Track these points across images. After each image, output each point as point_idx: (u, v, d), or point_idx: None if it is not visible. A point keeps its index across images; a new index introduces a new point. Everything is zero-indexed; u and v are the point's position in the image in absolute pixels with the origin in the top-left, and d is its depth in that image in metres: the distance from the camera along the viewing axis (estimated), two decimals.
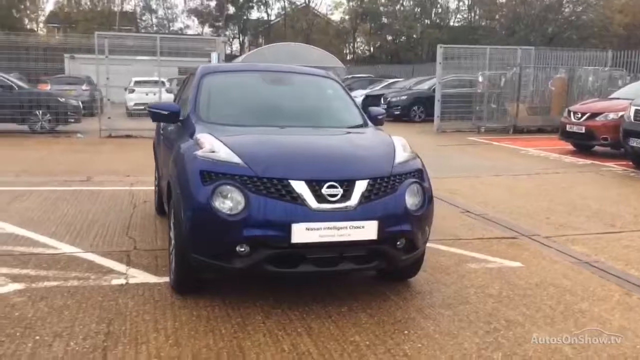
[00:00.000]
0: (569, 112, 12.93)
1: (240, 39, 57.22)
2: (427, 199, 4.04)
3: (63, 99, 15.82)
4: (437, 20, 50.77)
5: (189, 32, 51.58)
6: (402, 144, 4.30)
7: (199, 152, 3.85)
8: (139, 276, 4.48)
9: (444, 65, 17.65)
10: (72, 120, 15.83)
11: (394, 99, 21.76)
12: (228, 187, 3.62)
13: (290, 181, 3.63)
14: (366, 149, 4.24)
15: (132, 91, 21.90)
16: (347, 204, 3.66)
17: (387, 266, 4.08)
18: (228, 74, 5.41)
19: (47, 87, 20.76)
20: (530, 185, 9.06)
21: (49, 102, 15.53)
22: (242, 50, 50.81)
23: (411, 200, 3.91)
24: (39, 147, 12.32)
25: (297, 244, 3.57)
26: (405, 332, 3.67)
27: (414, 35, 48.81)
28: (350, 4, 51.29)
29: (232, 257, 3.63)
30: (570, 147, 13.27)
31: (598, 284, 4.66)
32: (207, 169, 3.71)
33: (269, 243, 3.60)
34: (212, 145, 3.88)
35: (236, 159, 3.73)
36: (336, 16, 54.65)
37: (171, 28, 52.85)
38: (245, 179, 3.63)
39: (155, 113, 4.78)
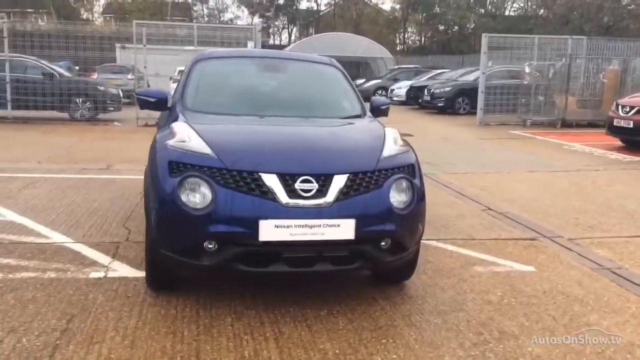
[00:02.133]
0: (617, 105, 12.13)
1: (290, 30, 57.19)
2: (417, 196, 3.69)
3: (103, 88, 15.99)
4: (492, 10, 49.35)
5: (239, 22, 51.82)
6: (393, 137, 3.95)
7: (170, 142, 3.63)
8: (120, 269, 4.31)
9: (491, 56, 16.99)
10: (112, 109, 15.97)
11: (437, 91, 21.12)
12: (195, 179, 3.38)
13: (261, 174, 3.36)
14: (351, 141, 3.93)
15: (177, 80, 22.01)
16: (322, 200, 3.37)
17: (372, 268, 3.78)
18: (221, 60, 5.15)
19: (94, 76, 21.19)
20: (566, 182, 8.50)
21: (88, 90, 15.73)
22: (290, 41, 50.69)
23: (397, 198, 3.58)
24: (72, 135, 12.45)
25: (265, 242, 3.31)
26: (383, 340, 3.36)
27: (467, 25, 47.55)
28: None
29: (200, 253, 3.40)
30: (618, 142, 12.48)
31: (615, 293, 4.22)
32: (176, 160, 3.49)
33: (236, 240, 3.35)
34: (184, 135, 3.65)
35: (207, 150, 3.49)
36: (387, 5, 53.88)
37: (221, 18, 53.24)
38: (215, 171, 3.39)
39: (143, 100, 4.59)
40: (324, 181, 3.40)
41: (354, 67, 42.66)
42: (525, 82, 16.87)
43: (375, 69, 38.92)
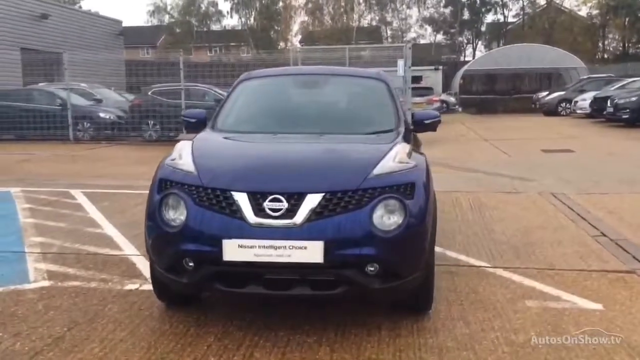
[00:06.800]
0: None
1: (474, 45, 55.59)
2: (412, 218, 3.30)
3: None
4: None
5: (422, 41, 51.67)
6: (395, 154, 3.59)
7: (167, 160, 3.75)
8: None
9: None
10: None
11: (621, 101, 18.88)
12: (175, 197, 3.43)
13: (232, 192, 3.29)
14: (341, 158, 3.66)
15: None
16: (291, 220, 3.20)
17: (357, 295, 3.46)
18: (262, 80, 5.14)
19: None
20: None
21: None
22: (475, 56, 49.21)
23: (382, 219, 3.26)
24: None
25: (230, 262, 3.23)
26: None
27: None
28: None
29: (181, 271, 3.42)
30: None
31: None
32: (165, 177, 3.59)
33: (205, 259, 3.31)
34: (178, 153, 3.74)
35: (191, 168, 3.54)
36: (583, 11, 49.67)
37: (404, 38, 53.56)
38: (193, 189, 3.41)
39: (186, 121, 4.79)
40: (296, 200, 3.23)
41: (545, 79, 40.01)
42: None
43: (567, 79, 36.09)
